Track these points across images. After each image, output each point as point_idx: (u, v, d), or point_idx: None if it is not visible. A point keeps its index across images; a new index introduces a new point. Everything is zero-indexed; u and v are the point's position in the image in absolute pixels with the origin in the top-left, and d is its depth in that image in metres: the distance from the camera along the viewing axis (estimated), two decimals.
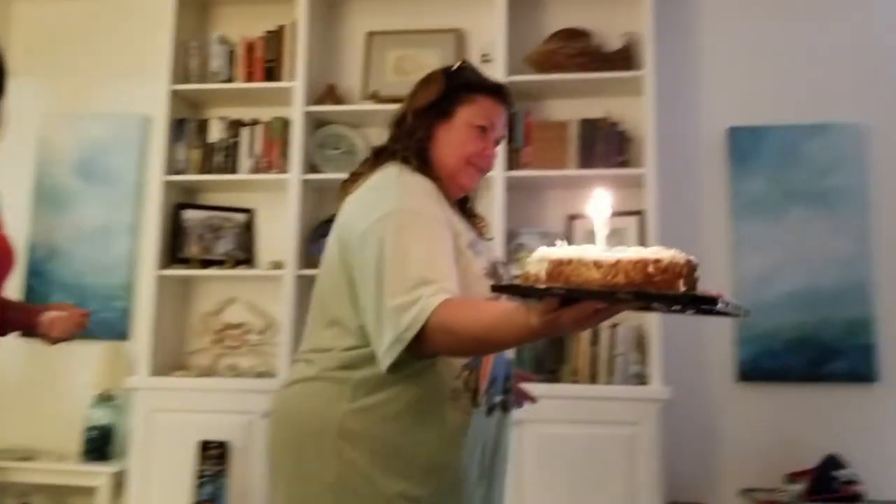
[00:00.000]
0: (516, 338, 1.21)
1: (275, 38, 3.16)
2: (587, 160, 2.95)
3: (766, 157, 3.02)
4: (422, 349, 1.27)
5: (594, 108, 3.00)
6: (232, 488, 2.81)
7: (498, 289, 1.13)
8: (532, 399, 1.68)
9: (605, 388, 2.74)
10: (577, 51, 3.00)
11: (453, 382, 1.42)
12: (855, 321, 2.87)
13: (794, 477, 2.64)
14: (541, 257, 1.04)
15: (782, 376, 2.89)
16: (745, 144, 3.04)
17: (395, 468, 1.39)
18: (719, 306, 0.94)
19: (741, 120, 3.07)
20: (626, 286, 0.97)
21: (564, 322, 1.05)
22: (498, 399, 1.51)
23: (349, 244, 1.42)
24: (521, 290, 1.06)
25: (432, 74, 1.60)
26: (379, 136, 3.12)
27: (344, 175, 2.93)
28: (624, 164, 2.94)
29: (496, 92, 1.59)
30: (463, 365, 1.43)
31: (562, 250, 1.03)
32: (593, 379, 2.78)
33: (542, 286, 1.02)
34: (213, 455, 2.82)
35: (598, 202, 1.08)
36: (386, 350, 1.28)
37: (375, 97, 3.07)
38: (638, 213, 2.90)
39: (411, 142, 1.52)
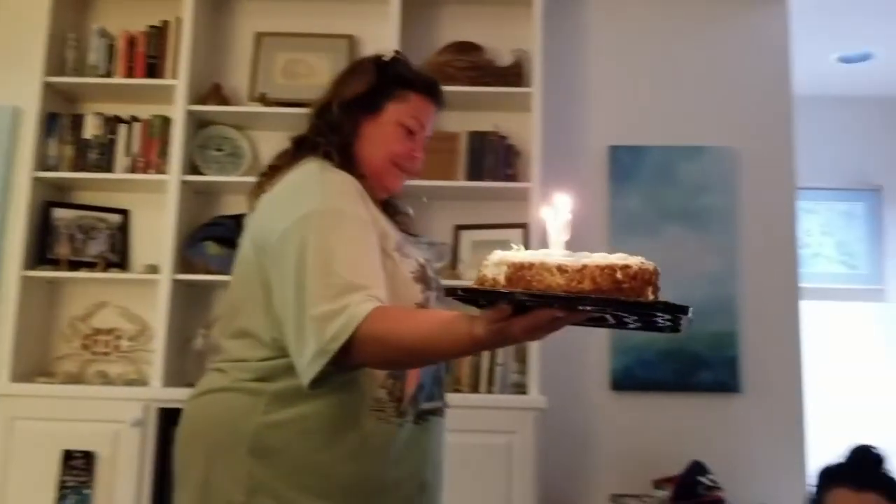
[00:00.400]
0: (457, 349, 1.13)
1: (158, 34, 3.05)
2: (475, 172, 3.00)
3: (644, 175, 3.15)
4: (348, 361, 1.16)
5: (484, 122, 3.04)
6: (97, 501, 2.68)
7: (461, 295, 1.00)
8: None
9: (484, 398, 2.78)
10: (468, 64, 3.04)
11: (376, 392, 1.31)
12: (721, 334, 3.02)
13: (660, 483, 2.75)
14: (499, 260, 0.97)
15: (653, 386, 3.02)
16: (625, 163, 3.16)
17: (314, 488, 1.28)
18: (690, 316, 0.91)
19: (622, 139, 3.19)
20: (593, 293, 0.91)
21: (515, 332, 0.98)
22: (429, 406, 1.40)
23: (266, 247, 1.30)
24: (489, 296, 0.97)
25: (363, 63, 1.50)
26: (266, 139, 3.12)
27: (227, 178, 2.97)
28: (511, 177, 3.00)
29: (429, 90, 1.48)
30: (387, 373, 1.32)
31: (523, 254, 0.98)
32: (475, 388, 2.81)
33: (506, 290, 0.95)
34: (77, 466, 2.67)
35: (557, 206, 1.02)
36: (308, 363, 1.17)
37: (263, 99, 3.00)
38: (523, 225, 2.96)
39: (335, 136, 1.41)
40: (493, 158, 3.00)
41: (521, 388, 2.80)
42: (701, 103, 3.23)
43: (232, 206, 3.05)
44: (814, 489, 1.70)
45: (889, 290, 4.19)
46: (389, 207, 1.50)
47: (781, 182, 3.18)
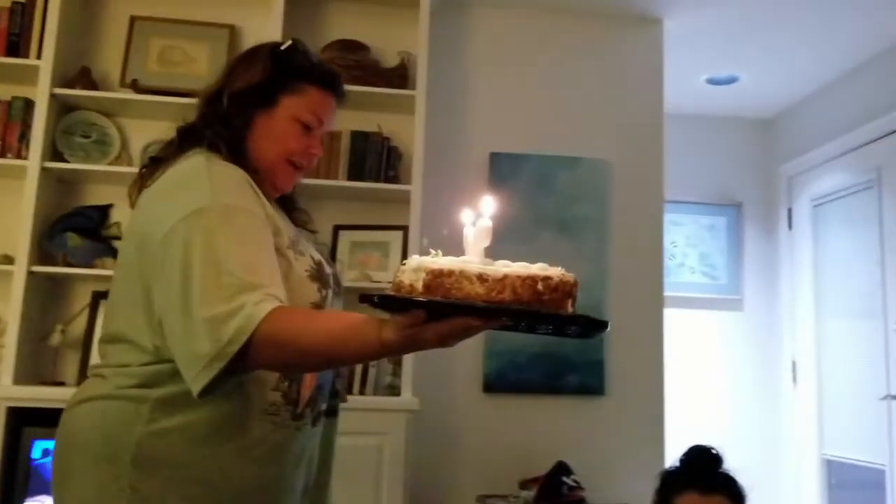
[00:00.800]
0: (363, 354, 1.08)
1: (23, 11, 2.86)
2: (356, 172, 2.98)
3: (522, 183, 3.22)
4: (244, 365, 1.08)
5: (367, 122, 3.03)
6: None
7: (378, 302, 0.95)
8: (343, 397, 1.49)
9: (358, 399, 2.76)
10: (353, 63, 3.01)
11: (270, 395, 1.24)
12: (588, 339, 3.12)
13: (526, 483, 2.82)
14: (417, 266, 0.94)
15: (524, 388, 3.09)
16: (504, 170, 3.23)
17: (204, 498, 1.20)
18: (608, 330, 0.91)
19: (503, 146, 3.26)
20: (513, 303, 0.89)
21: (428, 338, 0.95)
22: (325, 406, 1.34)
23: (148, 246, 1.19)
24: (407, 304, 0.92)
25: (257, 51, 1.39)
26: (137, 127, 2.99)
27: (93, 166, 2.82)
28: (393, 179, 3.00)
29: (329, 82, 1.38)
30: (280, 375, 1.25)
31: (441, 261, 0.94)
32: (349, 390, 2.80)
33: (423, 299, 0.91)
34: None
35: (481, 210, 0.98)
36: (202, 369, 1.08)
37: (135, 86, 2.87)
38: (403, 227, 2.97)
39: (224, 128, 1.31)
40: (375, 159, 2.99)
41: (394, 390, 2.81)
42: (578, 116, 3.34)
43: (97, 196, 2.90)
44: (656, 493, 1.76)
45: (746, 300, 4.47)
46: (285, 203, 1.44)
47: (650, 195, 3.33)
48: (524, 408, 3.11)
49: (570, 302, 0.91)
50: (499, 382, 3.08)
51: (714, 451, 1.75)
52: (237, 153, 1.31)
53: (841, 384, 3.91)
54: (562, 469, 2.78)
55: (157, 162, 1.34)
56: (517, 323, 0.94)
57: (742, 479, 1.73)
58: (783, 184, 4.46)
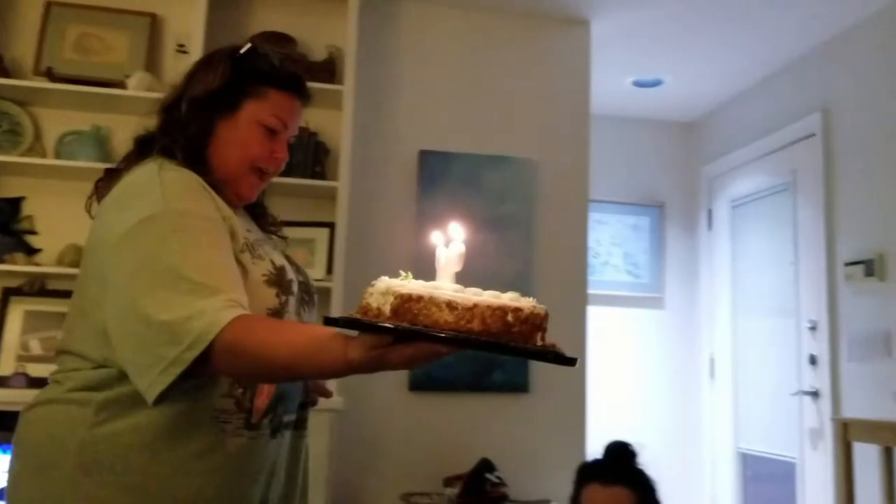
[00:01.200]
0: (328, 371, 1.05)
1: None
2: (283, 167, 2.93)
3: (451, 181, 3.23)
4: (202, 371, 1.05)
5: None
6: None
7: (344, 325, 0.93)
8: (328, 393, 1.48)
9: None
10: (279, 56, 2.96)
11: (220, 402, 1.20)
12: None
13: (450, 481, 2.83)
14: (386, 289, 0.91)
15: (450, 386, 3.10)
16: (433, 167, 3.23)
17: (157, 488, 1.16)
18: (574, 364, 0.90)
19: (432, 144, 3.26)
20: (482, 333, 0.88)
21: (394, 360, 0.94)
22: (289, 417, 1.30)
23: (98, 254, 1.17)
24: (368, 328, 0.91)
25: (215, 55, 1.35)
26: (52, 117, 2.88)
27: (5, 157, 2.70)
28: (320, 175, 2.96)
29: (291, 84, 1.35)
30: (232, 381, 1.21)
31: (411, 285, 0.92)
32: None
33: (390, 325, 0.89)
34: None
35: (451, 236, 0.96)
36: (159, 373, 1.05)
37: (49, 74, 2.76)
38: (329, 224, 2.94)
39: (182, 136, 1.28)
40: (302, 155, 2.95)
41: None
42: (506, 115, 3.37)
43: (8, 188, 2.78)
44: (572, 486, 1.82)
45: (667, 298, 4.58)
46: (253, 207, 1.41)
47: (576, 194, 3.38)
48: (450, 406, 3.12)
49: (539, 334, 0.90)
50: (425, 381, 3.09)
51: (629, 446, 1.80)
52: (197, 161, 1.27)
53: (756, 380, 4.06)
54: (485, 466, 2.81)
55: (113, 173, 1.30)
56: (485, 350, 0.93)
57: (655, 472, 1.79)
58: (704, 185, 4.59)
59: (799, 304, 3.69)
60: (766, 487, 4.01)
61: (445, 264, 0.97)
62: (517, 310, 0.89)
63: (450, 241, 0.98)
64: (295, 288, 1.31)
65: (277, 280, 1.26)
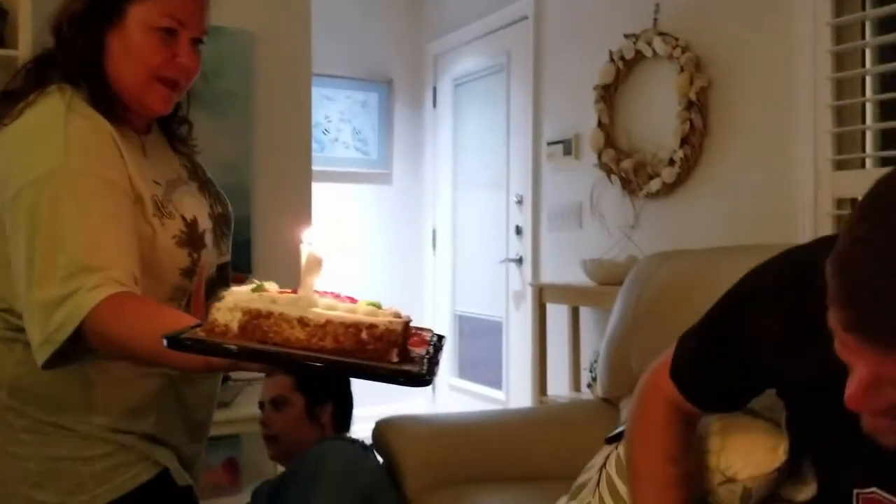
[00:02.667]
0: (189, 368, 1.03)
1: None
2: None
3: None
4: (82, 346, 1.05)
5: None
6: None
7: (190, 346, 0.87)
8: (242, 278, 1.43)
9: None
10: None
11: None
12: (237, 220, 3.10)
13: None
14: (234, 305, 0.86)
15: None
16: None
17: (88, 407, 1.20)
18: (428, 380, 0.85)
19: None
20: (334, 351, 0.84)
21: (253, 369, 0.93)
22: None
23: (4, 205, 1.12)
24: (209, 349, 0.87)
25: None
26: None
27: None
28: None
29: None
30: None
31: (260, 300, 0.86)
32: None
33: (234, 346, 0.85)
34: None
35: (312, 238, 0.90)
36: (37, 347, 1.05)
37: None
38: None
39: (75, 58, 1.17)
40: None
41: None
42: None
43: None
44: None
45: (395, 174, 4.73)
46: (168, 120, 1.32)
47: (298, 69, 3.30)
48: None
49: (395, 351, 0.87)
50: None
51: None
52: (98, 83, 1.18)
53: (471, 249, 4.40)
54: None
55: (10, 97, 1.18)
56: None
57: None
58: (429, 62, 4.70)
59: (509, 180, 4.00)
60: (477, 343, 4.45)
61: (304, 271, 0.91)
62: (372, 326, 0.86)
63: (309, 244, 0.92)
64: (208, 238, 1.29)
65: (189, 239, 1.23)
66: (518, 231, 3.91)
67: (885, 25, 2.25)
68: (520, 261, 3.90)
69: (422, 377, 0.85)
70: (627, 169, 3.00)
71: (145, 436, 1.25)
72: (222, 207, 1.39)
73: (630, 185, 3.02)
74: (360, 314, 0.87)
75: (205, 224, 1.30)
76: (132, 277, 1.09)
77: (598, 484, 1.28)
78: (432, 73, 4.69)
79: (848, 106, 2.28)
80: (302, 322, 0.86)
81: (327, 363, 0.85)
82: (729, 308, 1.14)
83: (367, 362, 0.85)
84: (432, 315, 4.67)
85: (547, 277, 3.64)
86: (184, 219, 1.25)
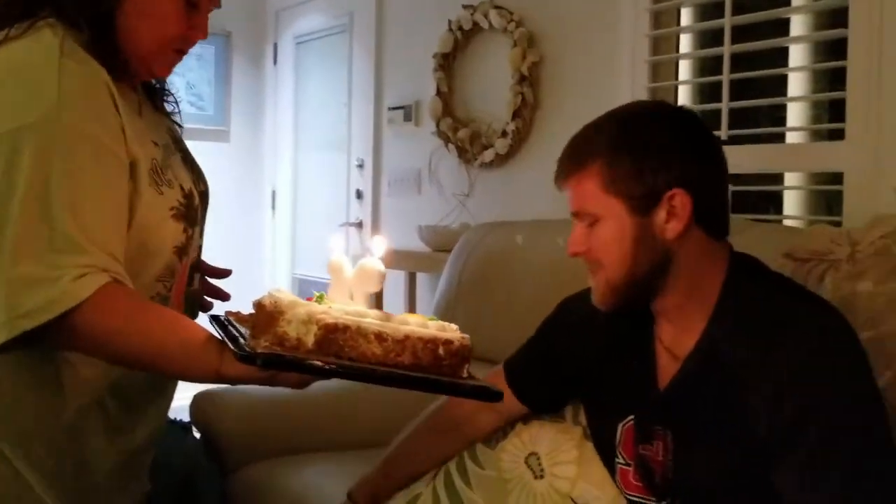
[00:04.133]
0: (190, 377, 0.96)
1: None
2: None
3: None
4: (46, 339, 0.91)
5: None
6: None
7: (263, 364, 0.82)
8: (224, 296, 1.33)
9: None
10: None
11: None
12: None
13: None
14: (307, 317, 0.82)
15: None
16: None
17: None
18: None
19: None
20: (412, 367, 0.83)
21: (282, 383, 0.87)
22: None
23: None
24: (293, 366, 0.82)
25: None
26: None
27: None
28: None
29: None
30: None
31: (334, 313, 0.83)
32: None
33: (327, 366, 0.81)
34: None
35: (371, 249, 0.87)
36: None
37: None
38: None
39: (86, 4, 1.01)
40: None
41: None
42: None
43: None
44: None
45: (233, 131, 4.58)
46: (150, 91, 1.20)
47: None
48: None
49: (466, 367, 0.89)
50: None
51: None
52: (104, 35, 1.03)
53: (311, 212, 4.36)
54: None
55: None
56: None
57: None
58: (270, 17, 4.55)
59: (350, 143, 3.99)
60: None
61: (359, 282, 0.88)
62: (448, 342, 0.87)
63: (366, 254, 0.88)
64: (199, 214, 1.18)
65: (185, 212, 1.12)
66: (359, 195, 3.91)
67: (702, 12, 2.43)
68: (360, 224, 3.91)
69: (498, 393, 0.89)
70: (463, 138, 3.07)
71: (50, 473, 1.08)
72: (203, 184, 1.27)
73: (466, 154, 3.09)
74: (433, 329, 0.87)
75: (197, 199, 1.19)
76: (119, 263, 0.98)
77: (434, 476, 1.30)
78: (273, 29, 4.55)
79: (662, 87, 2.45)
80: (380, 337, 0.84)
81: (421, 382, 0.86)
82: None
83: (455, 380, 0.87)
84: (271, 277, 4.60)
85: (386, 242, 3.67)
86: (182, 189, 1.14)
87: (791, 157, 2.15)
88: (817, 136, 2.16)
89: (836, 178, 2.01)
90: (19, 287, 0.91)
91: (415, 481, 1.32)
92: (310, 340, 0.83)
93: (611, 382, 1.17)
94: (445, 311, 2.12)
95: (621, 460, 1.18)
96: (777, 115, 2.26)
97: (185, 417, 1.83)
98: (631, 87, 2.46)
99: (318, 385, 0.96)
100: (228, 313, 1.06)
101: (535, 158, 2.86)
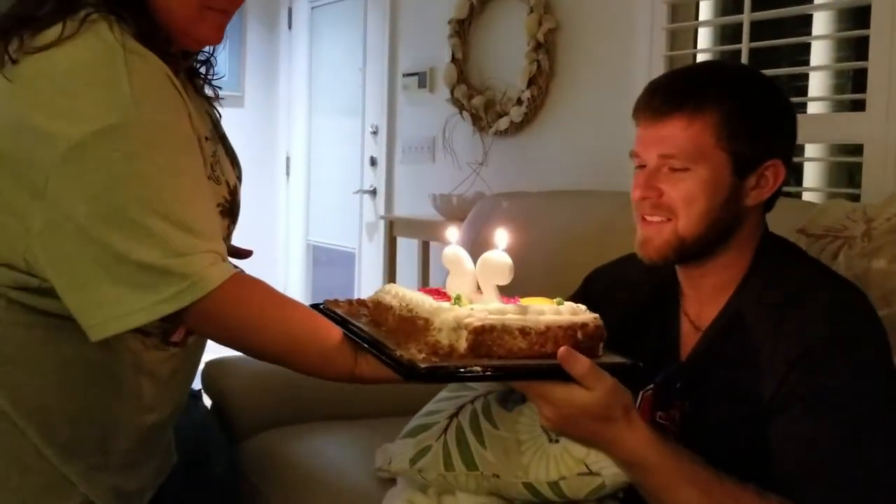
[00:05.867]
0: (320, 375, 0.96)
1: None
2: None
3: None
4: (167, 321, 0.94)
5: None
6: None
7: (425, 374, 0.83)
8: (244, 253, 1.32)
9: None
10: None
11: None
12: None
13: None
14: (456, 324, 0.84)
15: None
16: None
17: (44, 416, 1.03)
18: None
19: None
20: (554, 356, 0.86)
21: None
22: None
23: (34, 158, 0.90)
24: (454, 376, 0.85)
25: None
26: None
27: None
28: None
29: None
30: None
31: (478, 314, 0.84)
32: None
33: (485, 371, 0.84)
34: None
35: (496, 242, 0.88)
36: (116, 318, 0.91)
37: None
38: None
39: None
40: None
41: None
42: None
43: None
44: None
45: (247, 96, 4.57)
46: (191, 73, 1.15)
47: None
48: None
49: (601, 346, 0.91)
50: None
51: None
52: (143, 14, 0.99)
53: (325, 178, 4.35)
54: None
55: (25, 23, 0.94)
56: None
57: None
58: None
59: (365, 110, 3.96)
60: (330, 273, 4.46)
61: (487, 276, 0.89)
62: (584, 325, 0.89)
63: (495, 247, 0.89)
64: (239, 207, 1.17)
65: (230, 209, 1.12)
66: (373, 162, 3.89)
67: None
68: (374, 192, 3.90)
69: (635, 365, 0.93)
70: (478, 106, 3.03)
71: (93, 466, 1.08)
72: (239, 170, 1.24)
73: (480, 122, 3.06)
74: (566, 314, 0.89)
75: (239, 195, 1.19)
76: (225, 252, 0.99)
77: (444, 431, 1.28)
78: None
79: (680, 56, 2.40)
80: (524, 332, 0.86)
81: (561, 373, 0.87)
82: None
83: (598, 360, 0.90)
84: (285, 244, 4.61)
85: (400, 210, 3.67)
86: (227, 183, 1.12)
87: (812, 128, 2.10)
88: (840, 107, 2.12)
89: (858, 150, 1.97)
90: (155, 275, 0.91)
91: None
92: (462, 346, 0.86)
93: (633, 350, 1.16)
94: None
95: None
96: (798, 85, 2.22)
97: (196, 385, 1.84)
98: (649, 55, 2.41)
99: None
100: (327, 301, 1.08)
101: (550, 127, 2.83)
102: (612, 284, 1.24)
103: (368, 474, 1.51)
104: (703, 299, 1.14)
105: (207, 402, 1.84)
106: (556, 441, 1.17)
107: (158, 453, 1.25)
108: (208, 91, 1.24)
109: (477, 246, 2.10)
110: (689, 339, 1.15)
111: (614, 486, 1.13)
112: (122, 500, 1.14)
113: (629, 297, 1.24)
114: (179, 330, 1.12)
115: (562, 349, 0.86)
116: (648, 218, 1.09)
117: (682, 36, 2.43)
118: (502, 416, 1.25)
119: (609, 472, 1.10)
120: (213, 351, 1.29)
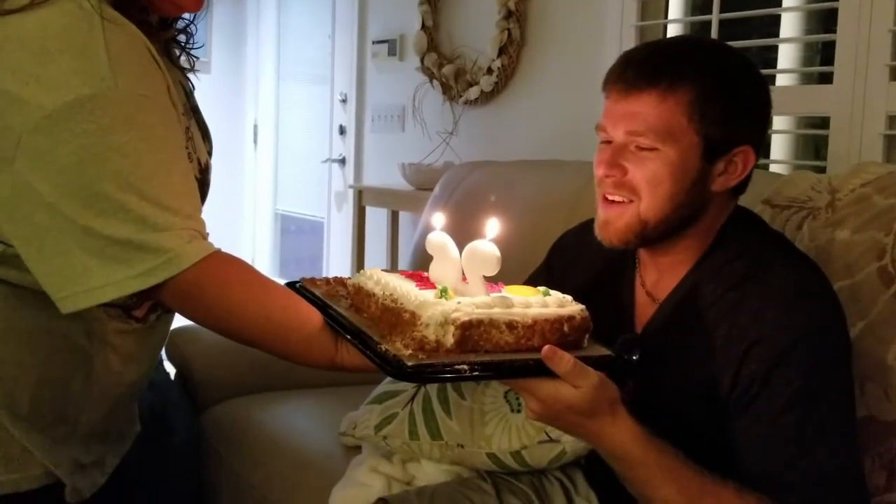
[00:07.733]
0: (301, 361, 0.94)
1: None
2: None
3: None
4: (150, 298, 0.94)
5: None
6: None
7: (411, 371, 0.81)
8: None
9: None
10: None
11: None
12: None
13: None
14: (443, 319, 0.82)
15: None
16: None
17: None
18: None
19: None
20: (540, 349, 0.84)
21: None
22: None
23: (6, 122, 0.86)
24: (442, 372, 0.82)
25: None
26: None
27: None
28: None
29: None
30: None
31: (465, 309, 0.83)
32: None
33: (472, 370, 0.82)
34: None
35: (486, 232, 0.86)
36: (86, 291, 0.87)
37: None
38: None
39: None
40: None
41: None
42: None
43: None
44: None
45: (214, 63, 4.48)
46: (165, 42, 1.11)
47: None
48: None
49: (586, 337, 0.91)
50: None
51: None
52: None
53: (294, 147, 4.30)
54: None
55: None
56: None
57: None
58: None
59: (334, 77, 3.90)
60: (299, 242, 4.43)
61: (474, 267, 0.87)
62: (570, 318, 0.89)
63: (483, 238, 0.88)
64: (208, 188, 1.15)
65: (201, 188, 1.08)
66: (342, 131, 3.85)
67: None
68: (343, 161, 3.86)
69: (631, 359, 0.94)
70: (448, 75, 3.00)
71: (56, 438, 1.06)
72: (210, 144, 1.22)
73: (450, 91, 3.03)
74: (553, 307, 0.89)
75: (210, 172, 1.16)
76: (205, 230, 0.96)
77: (412, 399, 1.28)
78: None
79: (651, 26, 2.39)
80: (510, 326, 0.85)
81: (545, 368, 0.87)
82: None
83: (585, 354, 0.89)
84: (252, 213, 4.56)
85: (369, 180, 3.64)
86: (199, 162, 1.10)
87: (780, 100, 2.10)
88: (808, 79, 2.13)
89: (825, 123, 1.98)
90: (125, 249, 0.88)
91: None
92: (449, 341, 0.84)
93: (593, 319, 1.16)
94: (426, 251, 2.10)
95: None
96: (768, 57, 2.22)
97: None
98: (620, 26, 2.40)
99: None
100: (304, 280, 1.06)
101: (520, 96, 2.81)
102: (576, 248, 1.23)
103: (334, 442, 1.51)
104: (662, 270, 1.13)
105: (170, 369, 1.82)
106: (518, 411, 1.17)
107: (121, 425, 1.23)
108: (184, 61, 1.22)
109: (448, 214, 2.09)
110: (644, 310, 1.14)
111: (575, 453, 1.14)
112: (84, 470, 1.13)
113: (588, 266, 1.23)
114: (143, 306, 1.09)
115: (545, 348, 0.84)
116: (610, 197, 1.06)
117: (653, 6, 2.42)
118: (470, 386, 1.25)
119: (569, 438, 1.10)
120: (178, 320, 1.27)
